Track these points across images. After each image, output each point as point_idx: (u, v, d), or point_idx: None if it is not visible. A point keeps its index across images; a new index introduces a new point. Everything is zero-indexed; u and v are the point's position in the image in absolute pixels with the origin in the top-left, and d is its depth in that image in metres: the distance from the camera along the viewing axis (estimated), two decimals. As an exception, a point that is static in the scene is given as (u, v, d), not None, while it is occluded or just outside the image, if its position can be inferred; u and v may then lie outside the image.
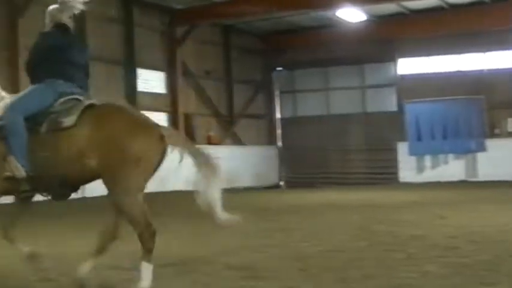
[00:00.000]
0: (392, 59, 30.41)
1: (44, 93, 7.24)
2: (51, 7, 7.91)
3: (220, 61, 29.80)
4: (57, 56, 7.51)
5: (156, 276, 7.46)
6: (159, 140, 7.13)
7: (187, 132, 26.65)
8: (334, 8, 25.67)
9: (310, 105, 32.45)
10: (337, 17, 27.08)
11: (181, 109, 26.48)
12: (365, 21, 27.92)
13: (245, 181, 28.75)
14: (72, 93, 7.28)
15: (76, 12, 8.03)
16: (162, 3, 25.76)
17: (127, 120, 6.96)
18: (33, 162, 6.83)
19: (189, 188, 22.72)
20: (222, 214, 7.69)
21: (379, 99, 31.13)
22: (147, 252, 6.88)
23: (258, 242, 10.22)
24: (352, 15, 26.99)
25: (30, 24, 20.87)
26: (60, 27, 7.90)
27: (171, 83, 26.42)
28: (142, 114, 7.36)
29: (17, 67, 20.14)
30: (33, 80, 7.58)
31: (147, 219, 7.07)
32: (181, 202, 19.62)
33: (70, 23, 8.04)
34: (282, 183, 32.20)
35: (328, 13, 27.04)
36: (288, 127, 32.78)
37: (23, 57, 20.12)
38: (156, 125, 7.16)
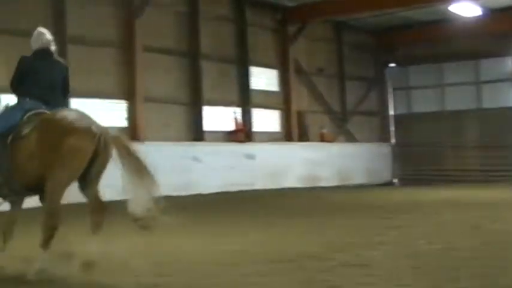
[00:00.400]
0: (509, 53, 29.71)
1: (14, 111, 8.30)
2: (34, 34, 8.84)
3: (333, 58, 29.75)
4: (27, 78, 8.55)
5: (273, 272, 7.60)
6: (89, 141, 7.82)
7: (300, 130, 26.77)
8: (448, 3, 25.30)
9: (424, 102, 32.04)
10: (451, 12, 26.66)
11: (294, 107, 26.58)
12: (480, 15, 27.37)
13: (358, 178, 28.67)
14: (38, 109, 8.22)
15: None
16: (274, 2, 25.92)
17: (63, 125, 7.79)
18: (5, 169, 7.88)
19: (302, 185, 22.80)
20: (143, 217, 8.37)
21: (495, 94, 30.46)
22: (47, 241, 7.67)
23: (372, 240, 10.22)
24: (466, 10, 26.53)
25: (146, 24, 21.42)
26: (38, 52, 8.76)
27: (283, 81, 26.55)
28: (83, 120, 8.08)
29: (134, 67, 20.65)
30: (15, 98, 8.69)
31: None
32: (294, 199, 19.83)
33: (51, 46, 8.84)
34: (395, 180, 31.92)
35: (441, 8, 26.64)
36: (402, 124, 32.45)
37: (139, 57, 20.77)
38: (88, 129, 7.88)
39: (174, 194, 20.13)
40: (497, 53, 29.95)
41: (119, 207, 8.10)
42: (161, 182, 19.82)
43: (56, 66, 8.93)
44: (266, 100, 25.92)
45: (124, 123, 20.63)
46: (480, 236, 10.33)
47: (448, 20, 28.23)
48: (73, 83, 18.24)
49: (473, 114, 30.73)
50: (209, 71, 23.55)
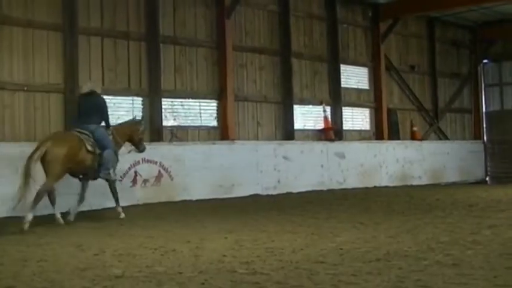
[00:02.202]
0: None
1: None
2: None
3: (425, 54, 29.41)
4: (78, 109, 14.59)
5: (363, 271, 7.60)
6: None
7: (390, 127, 26.58)
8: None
9: (517, 99, 31.44)
10: (547, 5, 26.09)
11: (384, 104, 26.40)
12: None
13: (450, 176, 28.31)
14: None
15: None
16: (365, -1, 25.85)
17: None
18: None
19: (393, 183, 22.74)
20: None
21: None
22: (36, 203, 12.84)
23: (465, 239, 10.11)
24: (562, 3, 25.92)
25: (238, 24, 21.59)
26: (90, 93, 14.49)
27: (374, 79, 26.40)
28: (60, 135, 14.41)
29: (225, 66, 20.82)
30: None
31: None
32: (385, 198, 19.70)
33: (98, 88, 14.87)
34: (487, 178, 31.41)
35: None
36: (494, 121, 31.88)
37: (230, 57, 20.93)
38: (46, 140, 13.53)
39: (265, 193, 20.35)
40: None
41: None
42: (253, 181, 20.13)
43: (95, 101, 14.43)
44: (357, 98, 25.83)
45: (215, 123, 20.82)
46: None
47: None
48: (165, 83, 18.77)
49: None
50: (300, 69, 23.60)
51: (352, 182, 23.22)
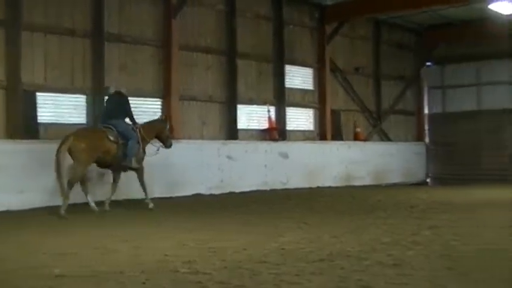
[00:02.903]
0: (547, 53, 29.46)
1: None
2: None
3: (370, 56, 29.64)
4: (105, 108, 16.73)
5: (306, 271, 7.64)
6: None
7: (334, 128, 26.75)
8: (488, 1, 25.09)
9: (460, 101, 31.85)
10: (491, 10, 26.44)
11: (328, 105, 26.55)
12: (519, 14, 27.12)
13: (393, 177, 28.60)
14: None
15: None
16: (312, 0, 25.89)
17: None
18: None
19: (337, 184, 22.83)
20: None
21: (532, 94, 30.20)
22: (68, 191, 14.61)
23: (407, 239, 10.22)
24: (505, 8, 26.29)
25: (184, 23, 21.52)
26: (114, 94, 16.47)
27: (319, 79, 26.53)
28: (81, 130, 15.97)
29: (171, 66, 20.76)
30: None
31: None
32: (329, 198, 19.82)
33: (123, 89, 16.61)
34: (428, 180, 31.81)
35: (480, 6, 26.43)
36: (436, 123, 32.30)
37: (176, 56, 20.87)
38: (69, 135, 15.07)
39: (208, 192, 20.32)
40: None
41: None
42: (196, 180, 20.05)
43: (121, 100, 16.21)
44: (301, 98, 25.93)
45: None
46: (516, 237, 10.29)
47: (488, 18, 28.02)
48: (109, 82, 18.65)
49: (510, 113, 30.48)
50: (246, 69, 23.62)
51: (296, 182, 23.31)
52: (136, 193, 16.87)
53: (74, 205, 14.96)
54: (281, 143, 23.72)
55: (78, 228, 12.42)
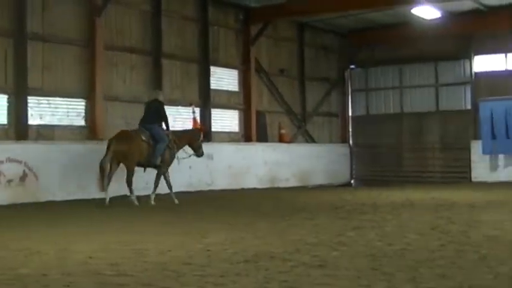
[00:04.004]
0: (468, 57, 30.02)
1: None
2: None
3: (294, 59, 29.82)
4: (144, 112, 18.53)
5: (231, 272, 7.62)
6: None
7: (258, 130, 26.81)
8: (410, 5, 25.49)
9: (383, 104, 32.28)
10: (413, 14, 26.88)
11: (253, 107, 26.61)
12: (440, 18, 27.62)
13: (317, 179, 28.81)
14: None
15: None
16: (237, 2, 25.92)
17: None
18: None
19: (262, 185, 22.82)
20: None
21: (453, 97, 30.74)
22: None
23: (331, 240, 10.28)
24: (427, 12, 26.76)
25: (108, 22, 21.32)
26: (153, 100, 18.64)
27: (244, 81, 26.57)
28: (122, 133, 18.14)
29: (95, 65, 20.55)
30: None
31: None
32: (253, 199, 19.85)
33: (160, 96, 18.82)
34: (352, 181, 32.16)
35: (404, 10, 26.85)
36: (360, 125, 32.67)
37: (100, 56, 20.65)
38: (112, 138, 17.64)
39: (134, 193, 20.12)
40: (456, 55, 30.28)
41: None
42: (121, 182, 19.96)
43: (158, 104, 18.37)
44: (226, 100, 25.95)
45: (82, 122, 20.51)
46: (439, 237, 10.44)
47: (410, 22, 28.47)
48: (32, 81, 18.40)
49: (432, 116, 31.00)
50: (171, 70, 23.52)
51: (221, 183, 23.31)
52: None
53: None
54: (206, 144, 23.61)
55: (1, 229, 12.19)
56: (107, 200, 16.96)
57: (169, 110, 23.04)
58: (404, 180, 29.90)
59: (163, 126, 18.25)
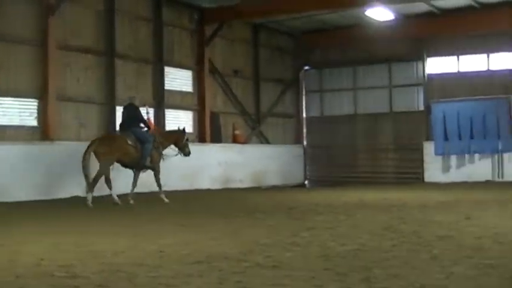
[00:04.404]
0: (421, 58, 30.32)
1: None
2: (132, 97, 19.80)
3: (249, 60, 29.85)
4: (123, 115, 19.12)
5: (184, 274, 7.59)
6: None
7: (212, 130, 26.77)
8: (364, 7, 25.66)
9: (337, 105, 32.45)
10: (367, 16, 27.07)
11: (208, 107, 26.57)
12: (394, 20, 27.87)
13: (271, 180, 28.85)
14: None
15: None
16: (192, 2, 25.86)
17: None
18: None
19: (216, 186, 22.74)
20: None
21: (406, 98, 31.02)
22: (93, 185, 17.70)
23: (285, 241, 10.29)
24: (381, 14, 26.97)
25: (62, 22, 21.13)
26: (129, 105, 19.15)
27: (198, 82, 26.52)
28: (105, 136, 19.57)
29: (48, 65, 20.36)
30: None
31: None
32: (207, 200, 19.82)
33: (136, 101, 19.33)
34: (306, 182, 32.27)
35: (357, 12, 27.03)
36: (315, 126, 32.80)
37: (53, 55, 20.47)
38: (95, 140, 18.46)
39: (85, 194, 19.96)
40: (409, 57, 30.56)
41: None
42: (74, 183, 19.79)
43: (134, 109, 18.94)
44: (180, 100, 25.86)
45: (35, 123, 20.30)
46: (392, 238, 10.50)
47: (364, 24, 28.67)
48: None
49: (386, 117, 31.24)
50: (124, 70, 23.38)
51: (174, 184, 23.17)
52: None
53: None
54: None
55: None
56: (89, 200, 17.45)
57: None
58: (358, 180, 30.10)
59: (144, 127, 19.12)
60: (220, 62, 27.87)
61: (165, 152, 19.63)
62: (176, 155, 20.12)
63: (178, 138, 20.09)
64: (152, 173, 19.18)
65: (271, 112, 30.83)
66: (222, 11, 26.30)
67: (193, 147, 24.67)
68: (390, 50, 30.56)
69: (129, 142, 18.41)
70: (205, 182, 24.98)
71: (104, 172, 17.96)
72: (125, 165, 18.87)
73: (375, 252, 9.09)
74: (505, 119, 28.44)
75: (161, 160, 19.35)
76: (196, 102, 26.40)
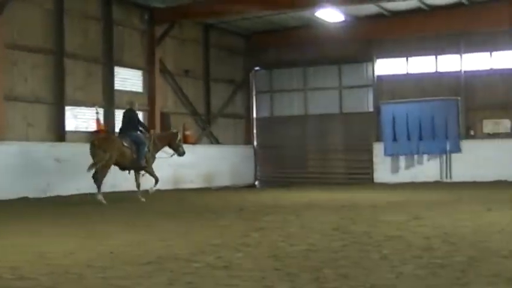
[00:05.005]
0: (370, 60, 30.53)
1: None
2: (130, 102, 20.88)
3: (200, 60, 29.79)
4: (123, 120, 20.10)
5: (135, 274, 7.54)
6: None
7: (163, 131, 26.63)
8: (314, 8, 25.75)
9: (287, 105, 32.54)
10: (317, 17, 27.18)
11: (158, 108, 26.46)
12: (344, 21, 28.04)
13: (221, 180, 28.82)
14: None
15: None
16: (142, 2, 25.73)
17: None
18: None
19: (166, 187, 22.68)
20: None
21: (356, 99, 31.23)
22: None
23: (236, 241, 10.29)
24: (331, 16, 27.09)
25: (10, 21, 20.86)
26: (128, 109, 20.29)
27: (149, 82, 26.39)
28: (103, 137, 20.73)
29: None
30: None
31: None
32: (158, 201, 19.75)
33: (135, 106, 20.52)
34: (257, 182, 32.31)
35: (308, 13, 27.14)
36: (265, 127, 32.85)
37: (0, 54, 20.20)
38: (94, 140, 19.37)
39: (35, 195, 19.79)
40: (358, 58, 30.76)
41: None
42: (22, 184, 19.55)
43: (134, 113, 20.24)
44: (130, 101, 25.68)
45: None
46: (342, 238, 10.55)
47: (314, 25, 28.80)
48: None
49: (335, 118, 31.41)
50: (74, 70, 23.17)
51: (124, 185, 23.01)
52: None
53: None
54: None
55: None
56: (102, 199, 18.42)
57: (72, 111, 22.84)
58: (308, 181, 30.23)
59: (142, 131, 20.32)
60: (171, 62, 27.78)
61: (159, 154, 20.83)
62: (172, 155, 21.36)
63: (172, 140, 21.24)
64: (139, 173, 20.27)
65: (221, 112, 30.81)
66: (173, 11, 26.22)
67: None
68: (340, 51, 30.76)
69: (125, 144, 19.40)
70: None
71: (105, 172, 18.97)
72: (122, 168, 19.96)
73: (325, 252, 9.13)
74: (453, 120, 28.79)
75: (153, 161, 20.52)
76: (147, 102, 26.26)
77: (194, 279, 7.26)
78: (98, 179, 18.70)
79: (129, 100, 21.60)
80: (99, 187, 18.68)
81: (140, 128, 20.32)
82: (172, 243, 10.24)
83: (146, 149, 19.90)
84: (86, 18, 23.84)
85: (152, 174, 20.41)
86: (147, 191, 20.06)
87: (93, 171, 18.57)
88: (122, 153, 19.36)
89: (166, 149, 21.20)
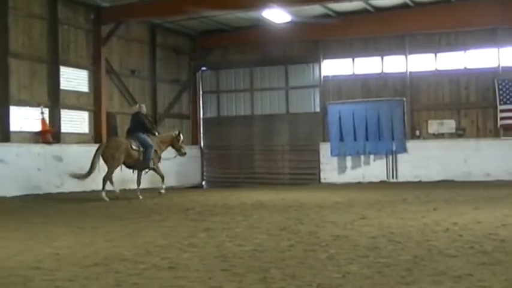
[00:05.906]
0: (317, 60, 30.64)
1: None
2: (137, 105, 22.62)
3: (146, 60, 29.63)
4: (131, 122, 22.08)
5: (82, 276, 7.49)
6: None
7: (109, 131, 26.47)
8: (261, 9, 25.76)
9: (234, 106, 32.54)
10: (264, 18, 27.21)
11: (104, 108, 26.26)
12: (290, 22, 28.09)
13: (168, 181, 28.67)
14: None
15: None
16: (88, 1, 25.50)
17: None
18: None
19: (112, 187, 22.46)
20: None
21: (302, 100, 31.32)
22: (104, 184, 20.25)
23: (182, 242, 10.28)
24: (277, 16, 27.13)
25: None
26: (136, 113, 21.81)
27: (94, 82, 26.17)
28: (112, 140, 21.79)
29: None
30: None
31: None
32: (104, 202, 19.62)
33: (142, 109, 22.01)
34: (203, 183, 32.27)
35: (255, 13, 27.15)
36: (211, 127, 32.81)
37: None
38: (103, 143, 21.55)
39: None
40: (305, 59, 30.88)
41: None
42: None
43: (141, 117, 21.66)
44: (76, 101, 25.47)
45: None
46: (289, 238, 10.60)
47: (260, 26, 28.84)
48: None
49: (282, 118, 31.49)
50: (18, 69, 22.87)
51: (70, 186, 22.85)
52: None
53: None
54: (55, 146, 23.20)
55: None
56: (117, 191, 20.87)
57: (17, 111, 22.56)
58: (255, 181, 30.28)
59: (149, 133, 21.72)
60: (117, 62, 27.59)
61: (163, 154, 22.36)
62: (175, 156, 23.21)
63: (173, 141, 22.79)
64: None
65: (167, 113, 30.70)
66: (119, 11, 26.03)
67: (89, 148, 24.52)
68: (287, 51, 30.88)
69: (133, 146, 20.90)
70: (100, 184, 24.65)
71: (111, 172, 20.61)
72: (128, 167, 21.38)
73: (272, 252, 9.16)
74: (398, 120, 29.05)
75: (159, 161, 22.17)
76: (93, 102, 26.05)
77: (140, 281, 7.24)
78: (104, 178, 20.40)
79: (138, 104, 23.05)
80: (104, 187, 20.25)
81: (152, 131, 22.08)
82: (118, 244, 10.19)
83: (152, 151, 21.30)
84: (30, 17, 23.54)
85: (159, 172, 22.08)
86: (159, 192, 21.92)
87: (76, 179, 20.52)
88: (129, 155, 20.87)
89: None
